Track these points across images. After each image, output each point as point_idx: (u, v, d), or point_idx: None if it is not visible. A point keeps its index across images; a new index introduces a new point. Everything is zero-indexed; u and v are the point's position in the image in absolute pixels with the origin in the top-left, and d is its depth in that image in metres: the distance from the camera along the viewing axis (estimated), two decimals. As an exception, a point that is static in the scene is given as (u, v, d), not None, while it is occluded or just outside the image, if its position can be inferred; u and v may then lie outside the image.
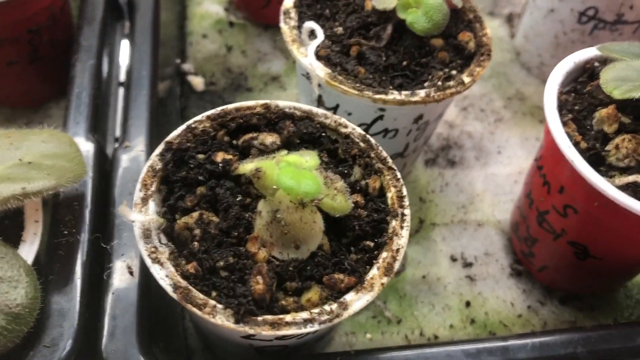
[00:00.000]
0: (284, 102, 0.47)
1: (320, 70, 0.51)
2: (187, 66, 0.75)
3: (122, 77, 0.68)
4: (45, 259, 0.48)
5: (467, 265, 0.62)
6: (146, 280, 0.48)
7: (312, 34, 0.53)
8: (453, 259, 0.62)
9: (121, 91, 0.67)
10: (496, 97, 0.77)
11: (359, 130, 0.46)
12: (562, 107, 0.51)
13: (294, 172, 0.38)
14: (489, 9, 0.87)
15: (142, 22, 0.65)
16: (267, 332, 0.36)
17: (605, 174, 0.47)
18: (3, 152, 0.46)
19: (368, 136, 0.46)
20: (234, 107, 0.47)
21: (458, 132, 0.73)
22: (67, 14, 0.70)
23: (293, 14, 0.55)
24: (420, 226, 0.64)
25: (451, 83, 0.52)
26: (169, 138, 0.44)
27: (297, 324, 0.36)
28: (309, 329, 0.36)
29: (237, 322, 0.36)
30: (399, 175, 0.44)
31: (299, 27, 0.54)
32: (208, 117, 0.46)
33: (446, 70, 0.53)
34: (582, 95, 0.52)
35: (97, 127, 0.57)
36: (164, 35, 0.70)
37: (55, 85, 0.69)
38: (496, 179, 0.69)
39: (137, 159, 0.53)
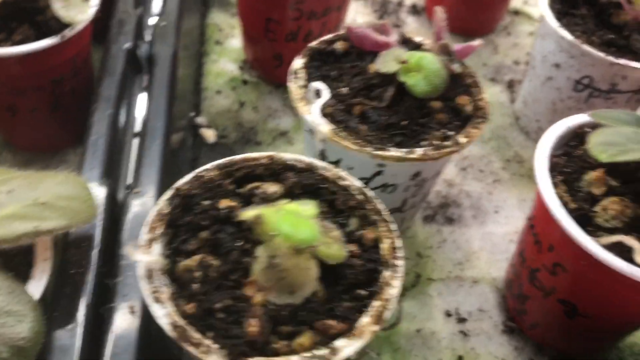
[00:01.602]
0: (288, 155, 0.50)
1: (324, 127, 0.54)
2: (200, 119, 0.78)
3: (138, 127, 0.72)
4: (52, 296, 0.50)
5: (461, 320, 0.63)
6: (147, 321, 0.50)
7: (318, 93, 0.56)
8: (448, 314, 0.64)
9: (136, 141, 0.71)
10: (495, 159, 0.79)
11: (358, 183, 0.49)
12: (553, 169, 0.53)
13: (292, 220, 0.40)
14: (491, 75, 0.91)
15: (160, 77, 0.69)
16: None
17: (592, 234, 0.49)
18: (20, 192, 0.49)
19: (365, 189, 0.48)
20: (241, 158, 0.50)
21: (457, 191, 0.75)
22: (89, 66, 0.74)
23: (301, 74, 0.59)
24: (417, 281, 0.66)
25: (448, 143, 0.54)
26: (177, 184, 0.47)
27: None
28: None
29: None
30: (393, 227, 0.46)
31: (306, 87, 0.57)
32: (215, 167, 0.49)
33: (444, 130, 0.56)
34: (573, 158, 0.55)
35: (111, 174, 0.60)
36: (181, 89, 0.73)
37: (73, 133, 0.73)
38: (493, 238, 0.71)
39: (147, 205, 0.56)
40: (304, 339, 0.40)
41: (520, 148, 0.81)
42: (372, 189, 0.58)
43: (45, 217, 0.47)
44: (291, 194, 0.48)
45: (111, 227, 0.55)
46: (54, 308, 0.49)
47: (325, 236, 0.42)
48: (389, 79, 0.57)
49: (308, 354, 0.39)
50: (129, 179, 0.66)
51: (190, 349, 0.38)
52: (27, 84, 0.65)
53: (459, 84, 0.61)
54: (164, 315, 0.40)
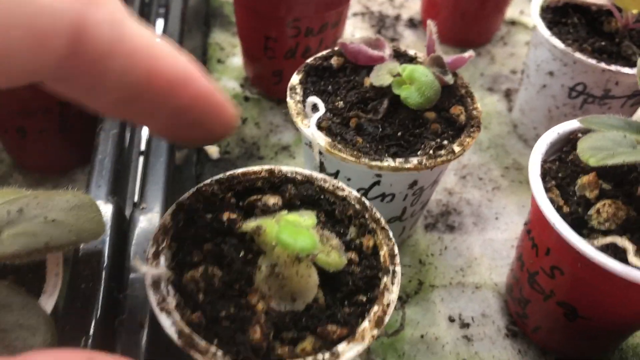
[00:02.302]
0: (287, 168, 0.51)
1: (321, 140, 0.55)
2: (203, 136, 0.80)
3: (143, 146, 0.74)
4: (63, 310, 0.52)
5: (465, 325, 0.64)
6: (155, 333, 0.52)
7: (315, 108, 0.57)
8: (451, 320, 0.65)
9: (141, 159, 0.72)
10: (494, 167, 0.81)
11: (355, 193, 0.50)
12: (545, 175, 0.55)
13: (291, 230, 0.41)
14: (489, 85, 0.93)
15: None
16: None
17: (586, 237, 0.50)
18: (30, 210, 0.51)
19: (363, 199, 0.50)
20: (241, 172, 0.51)
21: (457, 199, 0.76)
22: None
23: (298, 89, 0.61)
24: (420, 288, 0.67)
25: (442, 152, 0.56)
26: (180, 199, 0.49)
27: None
28: None
29: None
30: (391, 234, 0.48)
31: (304, 102, 0.59)
32: (216, 181, 0.50)
33: (438, 140, 0.57)
34: (565, 163, 0.56)
35: (117, 191, 0.62)
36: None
37: (81, 153, 0.75)
38: (493, 244, 0.72)
39: (153, 220, 0.58)
40: (306, 344, 0.41)
41: (518, 155, 0.83)
42: (371, 199, 0.60)
43: (54, 234, 0.49)
44: (291, 205, 0.49)
45: (119, 242, 0.57)
46: (66, 322, 0.51)
47: (324, 245, 0.44)
48: (383, 92, 0.59)
49: (310, 358, 0.40)
50: (136, 196, 0.68)
51: (197, 356, 0.40)
52: (36, 107, 0.67)
53: (452, 94, 0.62)
54: (171, 324, 0.41)
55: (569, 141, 0.58)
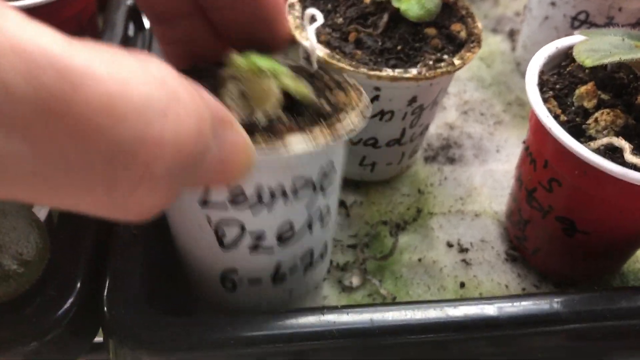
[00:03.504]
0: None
1: (320, 51, 0.55)
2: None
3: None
4: (57, 218, 0.52)
5: (463, 250, 0.64)
6: (149, 242, 0.52)
7: (312, 19, 0.57)
8: (449, 245, 0.64)
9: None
10: (496, 103, 0.80)
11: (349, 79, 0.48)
12: (543, 86, 0.54)
13: (260, 57, 0.42)
14: (492, 26, 0.92)
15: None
16: None
17: (584, 144, 0.49)
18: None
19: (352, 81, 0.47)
20: None
21: (458, 133, 0.76)
22: (94, 24, 0.76)
23: (297, 6, 0.60)
24: (418, 215, 0.67)
25: (442, 64, 0.55)
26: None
27: None
28: None
29: None
30: (365, 95, 0.46)
31: (302, 17, 0.59)
32: None
33: (438, 55, 0.57)
34: (563, 76, 0.55)
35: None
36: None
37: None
38: (494, 175, 0.71)
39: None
40: (257, 137, 0.39)
41: (521, 92, 0.82)
42: (370, 118, 0.59)
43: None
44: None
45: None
46: (60, 228, 0.51)
47: (294, 80, 0.43)
48: (383, 6, 0.58)
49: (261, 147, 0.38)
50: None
51: None
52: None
53: (453, 14, 0.62)
54: None
55: (567, 56, 0.57)
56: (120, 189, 0.25)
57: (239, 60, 0.42)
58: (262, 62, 0.41)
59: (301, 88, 0.43)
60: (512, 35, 0.89)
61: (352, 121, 0.43)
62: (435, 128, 0.76)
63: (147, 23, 0.79)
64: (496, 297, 0.53)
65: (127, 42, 0.75)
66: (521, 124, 0.77)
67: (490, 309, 0.48)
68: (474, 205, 0.68)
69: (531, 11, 0.78)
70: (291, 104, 0.43)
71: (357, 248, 0.63)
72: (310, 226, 0.48)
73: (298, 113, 0.44)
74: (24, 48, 0.21)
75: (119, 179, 0.24)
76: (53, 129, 0.22)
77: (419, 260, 0.63)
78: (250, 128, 0.41)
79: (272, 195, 0.44)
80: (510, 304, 0.49)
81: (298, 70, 0.49)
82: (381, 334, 0.47)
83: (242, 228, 0.46)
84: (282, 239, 0.47)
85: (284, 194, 0.44)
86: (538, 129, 0.53)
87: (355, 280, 0.60)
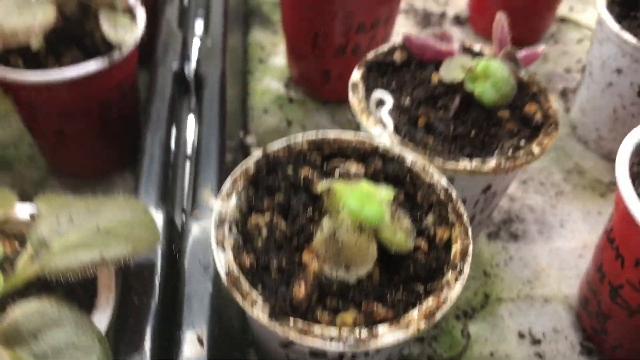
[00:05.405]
0: (381, 141, 0.49)
1: (389, 136, 0.51)
2: (250, 139, 0.76)
3: (189, 150, 0.70)
4: (116, 326, 0.48)
5: (536, 342, 0.60)
6: (215, 351, 0.48)
7: (380, 103, 0.54)
8: (521, 336, 0.60)
9: (188, 164, 0.69)
10: (555, 171, 0.76)
11: (444, 182, 0.46)
12: (635, 179, 0.50)
13: (361, 197, 0.39)
14: (543, 84, 0.88)
15: (209, 97, 0.67)
16: (294, 336, 0.37)
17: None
18: (80, 218, 0.47)
19: (451, 189, 0.46)
20: (334, 136, 0.50)
21: (519, 206, 0.72)
22: (135, 89, 0.73)
23: (360, 86, 0.57)
24: (486, 301, 0.63)
25: (520, 153, 0.52)
26: (267, 150, 0.48)
27: (323, 338, 0.37)
28: (334, 347, 0.37)
29: (270, 317, 0.37)
30: (470, 232, 0.44)
31: (367, 99, 0.55)
32: (307, 140, 0.49)
33: (514, 141, 0.53)
34: (656, 166, 0.51)
35: (167, 197, 0.58)
36: (229, 109, 0.72)
37: (120, 157, 0.71)
38: (560, 253, 0.67)
39: (207, 229, 0.54)
40: (347, 316, 0.39)
41: (580, 158, 0.78)
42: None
43: (109, 245, 0.45)
44: (374, 179, 0.47)
45: (171, 252, 0.53)
46: (120, 339, 0.47)
47: (394, 223, 0.41)
48: (454, 88, 0.55)
49: (345, 330, 0.38)
50: (184, 203, 0.64)
51: (238, 298, 0.39)
52: (76, 108, 0.64)
53: (525, 92, 0.58)
54: (223, 262, 0.41)
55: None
56: None
57: (341, 211, 0.39)
58: (366, 212, 0.39)
59: (400, 241, 0.41)
60: (565, 94, 0.86)
61: (452, 297, 0.40)
62: (494, 200, 0.72)
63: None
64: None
65: (174, 107, 0.71)
66: (583, 195, 0.74)
67: None
68: (543, 289, 0.64)
69: (592, 75, 0.74)
70: (387, 258, 0.42)
71: (425, 342, 0.59)
72: None
73: (393, 270, 0.42)
74: None
75: None
76: None
77: (491, 354, 0.58)
78: (339, 293, 0.40)
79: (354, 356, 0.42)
80: None
81: (394, 179, 0.47)
82: None
83: None
84: None
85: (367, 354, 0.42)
86: (630, 225, 0.48)
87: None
